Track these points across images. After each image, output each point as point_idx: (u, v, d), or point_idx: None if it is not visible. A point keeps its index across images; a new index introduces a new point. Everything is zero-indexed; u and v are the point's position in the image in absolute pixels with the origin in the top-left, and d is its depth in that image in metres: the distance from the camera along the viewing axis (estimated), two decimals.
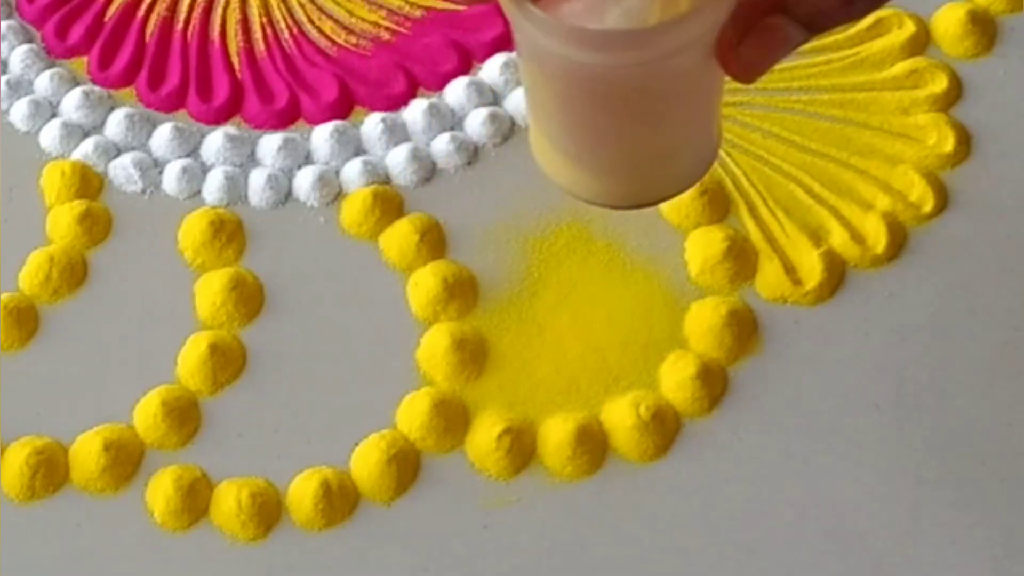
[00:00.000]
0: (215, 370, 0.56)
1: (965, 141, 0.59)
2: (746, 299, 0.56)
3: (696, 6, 0.38)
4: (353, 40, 0.64)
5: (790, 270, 0.56)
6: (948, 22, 0.62)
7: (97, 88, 0.63)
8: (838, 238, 0.57)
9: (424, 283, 0.57)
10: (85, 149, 0.61)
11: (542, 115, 0.44)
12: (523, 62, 0.43)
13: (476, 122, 0.61)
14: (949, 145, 0.59)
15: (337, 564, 0.52)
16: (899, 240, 0.57)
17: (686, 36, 0.38)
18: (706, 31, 0.39)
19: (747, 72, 0.41)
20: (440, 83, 0.63)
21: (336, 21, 0.65)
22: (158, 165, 0.61)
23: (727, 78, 0.41)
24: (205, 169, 0.61)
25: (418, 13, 0.65)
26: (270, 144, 0.61)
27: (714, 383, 0.54)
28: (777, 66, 0.64)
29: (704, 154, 0.45)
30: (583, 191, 0.45)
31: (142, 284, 0.58)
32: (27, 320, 0.57)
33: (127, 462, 0.54)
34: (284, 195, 0.60)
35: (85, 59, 0.65)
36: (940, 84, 0.60)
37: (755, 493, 0.52)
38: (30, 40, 0.65)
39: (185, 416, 0.55)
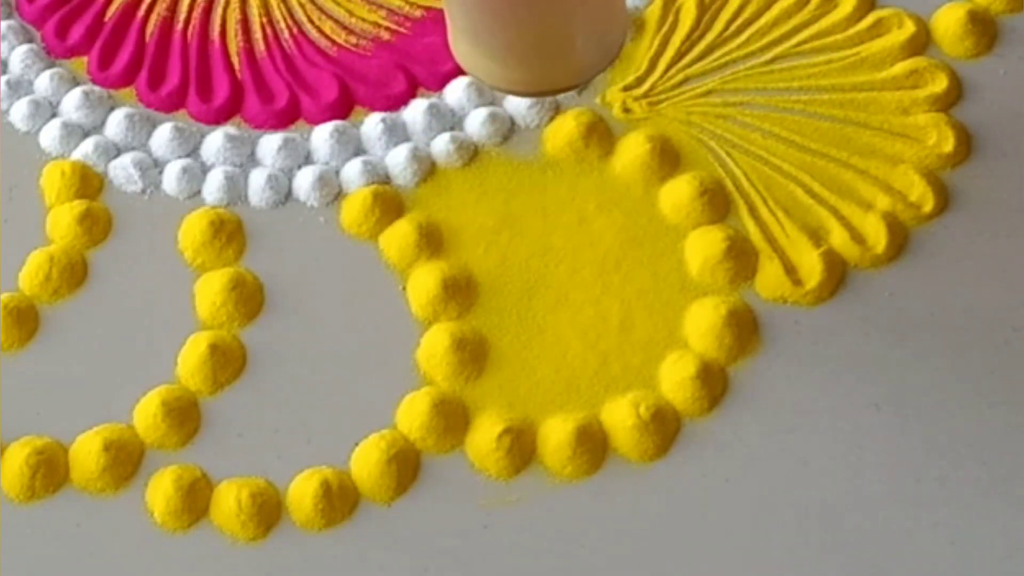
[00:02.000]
0: (215, 370, 0.56)
1: (965, 141, 0.59)
2: (746, 299, 0.56)
3: None
4: (353, 40, 0.64)
5: (790, 270, 0.56)
6: (948, 22, 0.61)
7: (97, 88, 0.63)
8: (838, 238, 0.57)
9: (424, 283, 0.57)
10: (85, 149, 0.61)
11: (451, 4, 0.47)
12: None
13: (476, 122, 0.61)
14: (949, 145, 0.59)
15: (337, 564, 0.52)
16: (899, 240, 0.57)
17: None
18: None
19: None
20: (440, 83, 0.63)
21: (336, 21, 0.65)
22: (158, 165, 0.61)
23: None
24: (205, 169, 0.61)
25: (418, 13, 0.65)
26: (270, 144, 0.61)
27: (714, 383, 0.54)
28: (777, 66, 0.64)
29: (606, 44, 0.47)
30: (492, 78, 0.48)
31: (142, 284, 0.58)
32: (27, 320, 0.57)
33: (127, 462, 0.54)
34: (284, 195, 0.60)
35: (85, 59, 0.65)
36: (940, 84, 0.60)
37: (755, 493, 0.52)
38: (30, 40, 0.65)
39: (185, 416, 0.55)
